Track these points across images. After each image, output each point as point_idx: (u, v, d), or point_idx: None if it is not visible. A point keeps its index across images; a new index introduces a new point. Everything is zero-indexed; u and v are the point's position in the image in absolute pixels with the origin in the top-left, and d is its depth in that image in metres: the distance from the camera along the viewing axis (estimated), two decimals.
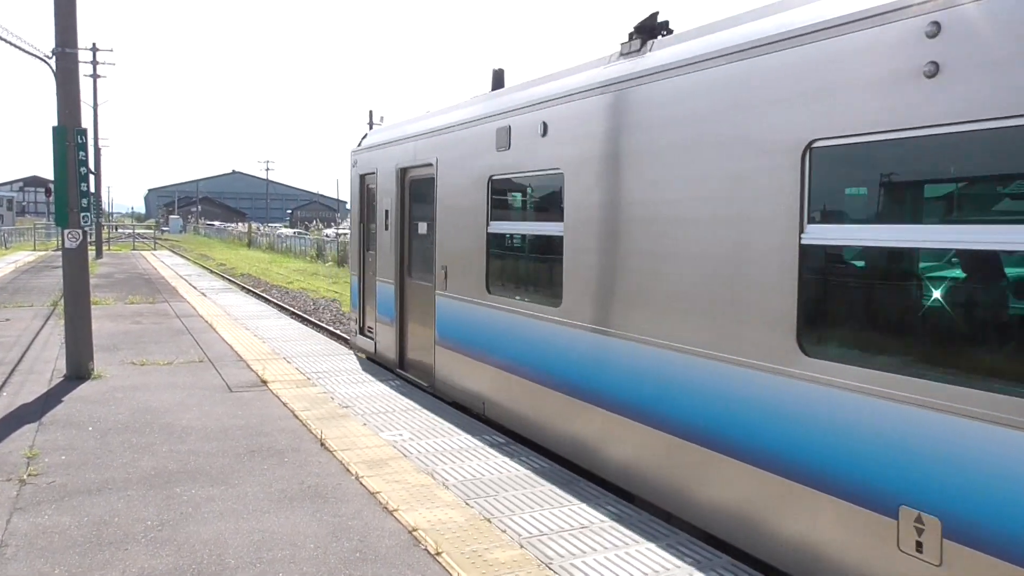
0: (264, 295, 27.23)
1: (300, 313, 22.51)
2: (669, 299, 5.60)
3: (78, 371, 10.52)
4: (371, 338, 12.02)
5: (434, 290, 9.45)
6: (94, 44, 42.14)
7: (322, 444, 7.51)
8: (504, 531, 5.48)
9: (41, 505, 5.90)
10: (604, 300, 6.34)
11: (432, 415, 8.71)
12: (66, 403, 9.10)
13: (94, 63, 42.18)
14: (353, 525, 5.57)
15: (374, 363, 11.76)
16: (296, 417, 8.53)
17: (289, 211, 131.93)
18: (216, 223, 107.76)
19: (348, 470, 6.76)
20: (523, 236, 7.87)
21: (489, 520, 5.67)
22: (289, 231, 76.94)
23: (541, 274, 7.48)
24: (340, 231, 64.27)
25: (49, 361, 11.65)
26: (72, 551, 5.10)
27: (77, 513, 5.75)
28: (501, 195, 8.10)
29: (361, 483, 6.44)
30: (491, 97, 8.52)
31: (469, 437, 7.84)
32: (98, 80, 42.50)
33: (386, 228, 11.13)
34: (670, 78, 5.64)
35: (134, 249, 54.18)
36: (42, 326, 15.43)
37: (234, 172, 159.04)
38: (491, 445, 7.58)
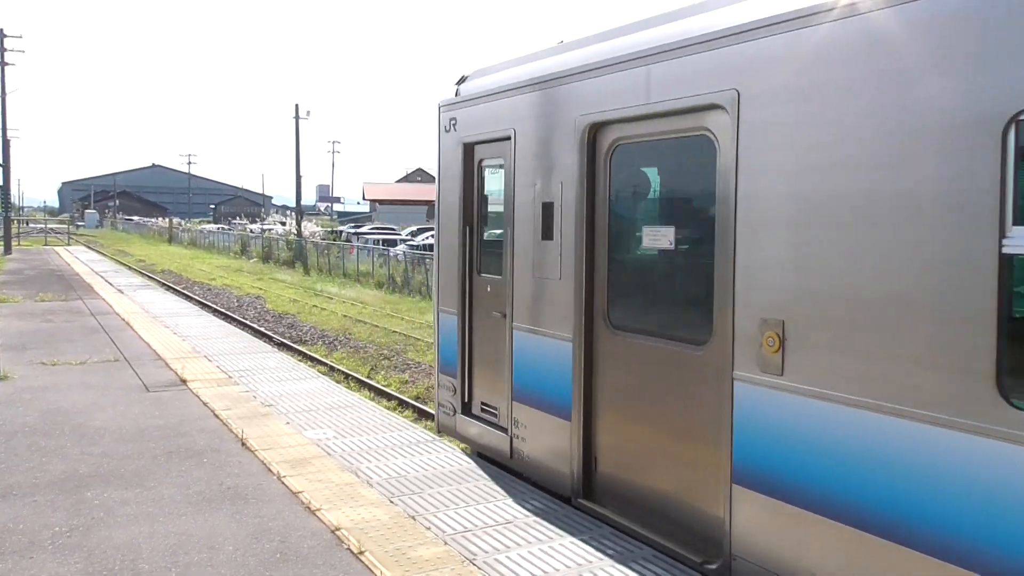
0: (185, 292, 26.49)
1: (223, 310, 22.00)
2: None
3: None
4: (498, 426, 6.92)
5: (728, 369, 4.62)
6: (1, 29, 40.27)
7: (243, 444, 7.34)
8: (428, 528, 5.45)
9: None
10: None
11: (358, 413, 8.60)
12: None
13: (1, 50, 40.30)
14: (274, 526, 5.46)
15: (502, 468, 6.80)
16: (216, 416, 8.32)
17: (212, 206, 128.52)
18: (135, 218, 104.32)
19: (270, 470, 6.62)
20: None
21: (414, 518, 5.64)
22: (213, 227, 75.16)
23: None
24: (265, 226, 63.06)
25: None
26: None
27: None
28: None
29: (283, 483, 6.32)
30: None
31: (395, 435, 7.77)
32: (6, 67, 40.62)
33: (547, 236, 6.17)
34: None
35: (46, 245, 52.00)
36: None
37: (154, 165, 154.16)
38: (417, 443, 7.54)
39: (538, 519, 5.65)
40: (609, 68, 5.53)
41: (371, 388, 12.82)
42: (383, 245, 37.93)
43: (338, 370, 14.17)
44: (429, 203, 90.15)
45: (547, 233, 6.18)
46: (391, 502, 5.95)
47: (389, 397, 12.21)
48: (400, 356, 15.76)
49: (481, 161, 7.19)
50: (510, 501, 6.00)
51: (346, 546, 5.14)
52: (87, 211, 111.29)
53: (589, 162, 5.78)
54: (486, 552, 5.08)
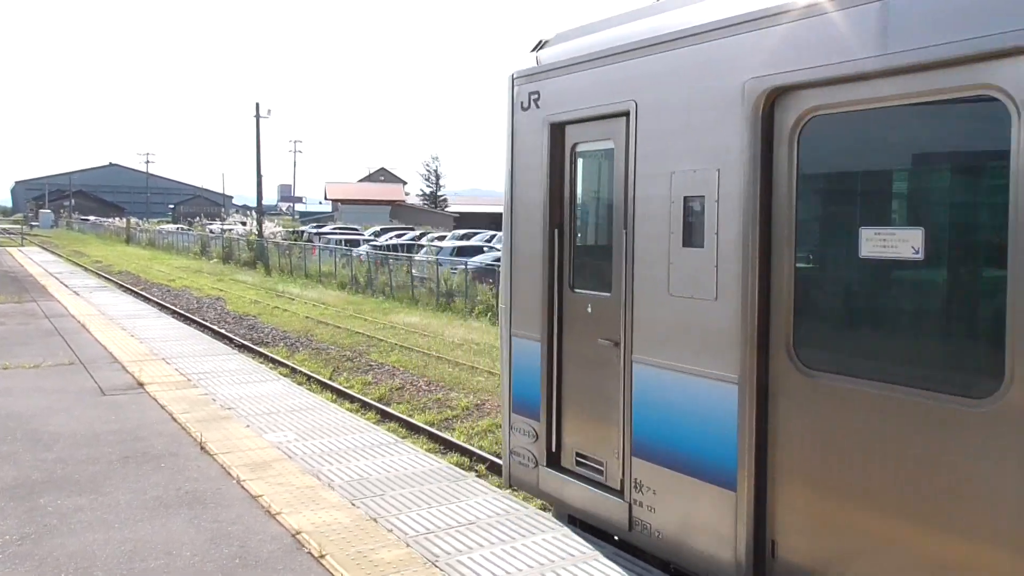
0: (143, 293, 26.05)
1: (182, 312, 21.68)
2: None
3: None
4: (605, 487, 5.34)
5: None
6: None
7: (202, 448, 7.23)
8: (391, 531, 5.42)
9: None
10: None
11: (320, 415, 8.53)
12: None
13: None
14: (233, 531, 5.40)
15: (608, 541, 5.36)
16: (175, 420, 8.19)
17: (172, 206, 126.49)
18: (91, 218, 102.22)
19: (229, 474, 6.54)
20: None
21: (375, 520, 5.61)
22: (172, 227, 74.12)
23: None
24: (226, 226, 62.29)
25: None
26: None
27: None
28: None
29: (243, 487, 6.24)
30: None
31: (357, 437, 7.73)
32: None
33: (693, 241, 4.65)
34: None
35: None
36: None
37: (111, 164, 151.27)
38: (379, 445, 7.50)
39: (501, 519, 5.65)
40: (808, 8, 4.00)
41: (333, 390, 12.72)
42: (346, 245, 37.65)
43: (300, 372, 14.04)
44: (392, 203, 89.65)
45: (693, 238, 4.64)
46: (353, 505, 5.91)
47: (351, 399, 12.12)
48: (363, 357, 15.66)
49: (576, 145, 5.65)
50: (473, 501, 6.00)
51: (307, 550, 5.09)
52: (42, 211, 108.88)
53: (764, 141, 4.27)
54: (448, 553, 5.07)
